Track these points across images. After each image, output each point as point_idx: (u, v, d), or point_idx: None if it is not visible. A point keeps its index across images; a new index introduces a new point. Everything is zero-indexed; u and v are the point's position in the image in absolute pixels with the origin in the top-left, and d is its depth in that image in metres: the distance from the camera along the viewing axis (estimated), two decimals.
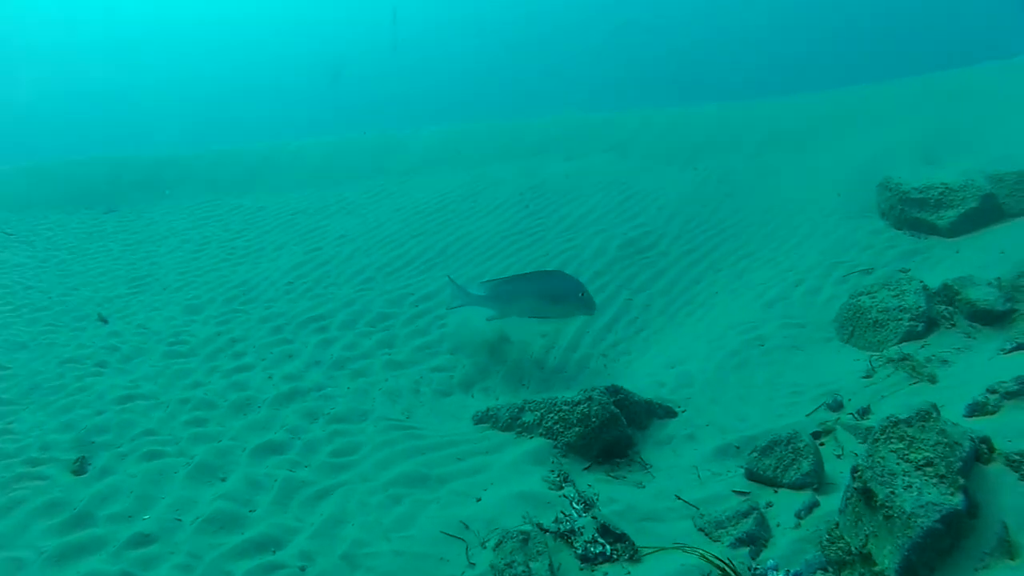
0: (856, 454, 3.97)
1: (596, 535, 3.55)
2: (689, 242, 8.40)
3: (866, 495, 2.74)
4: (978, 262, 6.54)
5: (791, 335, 5.95)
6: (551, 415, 4.74)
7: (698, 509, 3.74)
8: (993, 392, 3.72)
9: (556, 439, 4.66)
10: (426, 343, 6.75)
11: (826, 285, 6.82)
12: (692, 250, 8.21)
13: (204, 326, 7.32)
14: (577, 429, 4.57)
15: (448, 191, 11.59)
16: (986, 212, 7.47)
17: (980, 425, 3.52)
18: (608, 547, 3.48)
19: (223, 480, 4.60)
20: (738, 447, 4.35)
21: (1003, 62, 12.03)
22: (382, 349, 6.71)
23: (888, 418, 2.95)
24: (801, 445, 3.82)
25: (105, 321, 7.52)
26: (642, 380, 5.66)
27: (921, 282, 5.54)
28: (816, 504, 3.55)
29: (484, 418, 5.27)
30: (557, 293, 5.44)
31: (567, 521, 3.69)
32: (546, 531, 3.65)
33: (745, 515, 3.51)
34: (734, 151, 10.95)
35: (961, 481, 2.60)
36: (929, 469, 2.67)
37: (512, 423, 5.03)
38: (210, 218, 11.58)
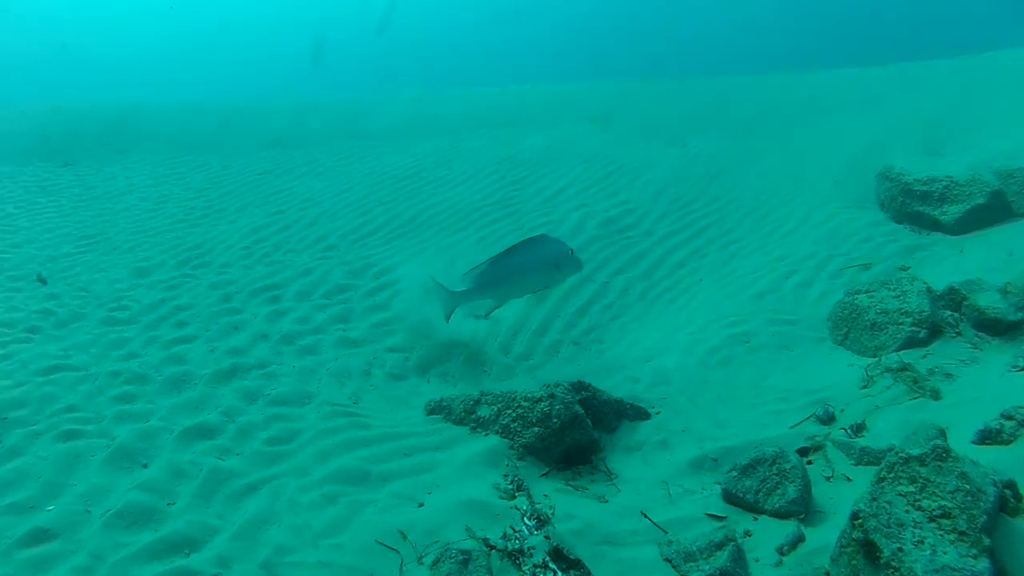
0: (849, 478, 3.54)
1: (547, 559, 3.08)
2: (674, 223, 7.92)
3: (867, 548, 2.29)
4: (984, 264, 6.12)
5: (780, 332, 5.49)
6: (509, 411, 4.28)
7: (666, 533, 3.28)
8: (1009, 418, 3.29)
9: (513, 439, 4.20)
10: (384, 320, 6.27)
11: (820, 278, 6.36)
12: (677, 232, 7.73)
13: (150, 291, 6.79)
14: (536, 429, 4.11)
15: (422, 157, 11.07)
16: (994, 210, 7.03)
17: (993, 456, 3.09)
18: (559, 575, 3.02)
19: (144, 467, 4.13)
20: (716, 460, 3.90)
21: (1009, 51, 11.53)
22: (336, 324, 6.22)
23: (896, 452, 2.48)
24: (787, 467, 3.37)
25: (44, 282, 6.96)
26: (614, 374, 5.19)
27: (924, 283, 5.09)
28: (801, 538, 3.11)
29: (437, 408, 4.80)
30: (556, 259, 4.82)
31: (516, 539, 3.23)
32: (492, 548, 3.20)
33: (719, 546, 3.06)
34: (724, 129, 10.43)
35: (986, 541, 2.14)
36: (946, 522, 2.21)
37: (466, 416, 4.57)
38: (172, 175, 10.96)
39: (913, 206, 7.19)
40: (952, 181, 7.15)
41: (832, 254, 6.75)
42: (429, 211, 8.85)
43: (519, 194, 9.13)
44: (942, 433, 3.16)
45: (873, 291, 5.22)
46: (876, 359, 4.68)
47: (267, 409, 4.86)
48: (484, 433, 4.40)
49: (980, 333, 4.73)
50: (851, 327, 5.21)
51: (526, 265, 4.79)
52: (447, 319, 5.10)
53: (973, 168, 7.47)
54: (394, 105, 14.44)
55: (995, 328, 4.67)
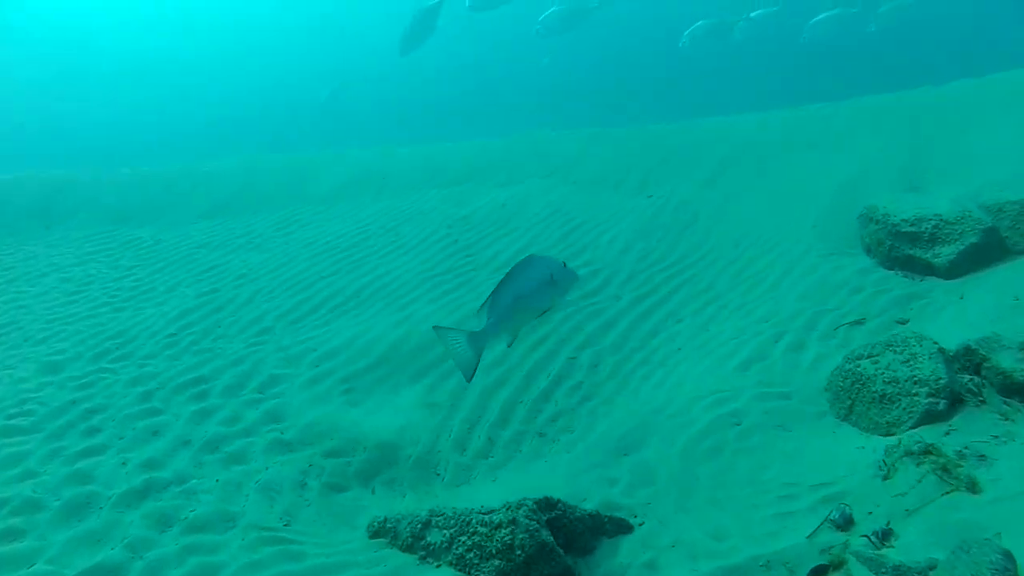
0: None
1: None
2: (644, 284, 7.29)
3: None
4: (990, 312, 5.55)
5: (774, 409, 4.82)
6: (464, 538, 3.56)
7: None
8: None
9: (469, 573, 3.46)
10: (322, 416, 5.51)
11: (811, 340, 5.74)
12: (648, 294, 7.10)
13: (60, 391, 5.99)
14: (497, 563, 3.39)
15: (368, 222, 10.40)
16: (988, 248, 6.52)
17: None
18: None
19: None
20: None
21: (978, 80, 11.21)
22: (269, 424, 5.47)
23: None
24: None
25: None
26: (587, 474, 4.47)
27: (935, 343, 4.47)
28: None
29: (381, 531, 4.08)
30: (551, 275, 4.38)
31: None
32: None
33: None
34: (691, 175, 9.87)
35: None
36: None
37: (415, 542, 3.84)
38: (100, 251, 10.17)
39: (903, 249, 6.65)
40: (941, 220, 6.64)
41: (821, 310, 6.14)
42: (375, 284, 8.17)
43: (473, 259, 8.49)
44: (1008, 557, 2.49)
45: (877, 355, 4.59)
46: (894, 440, 4.02)
47: (182, 538, 4.15)
48: (435, 564, 3.68)
49: (1008, 400, 4.11)
50: (856, 399, 4.56)
51: (524, 289, 4.32)
52: (474, 370, 4.14)
53: (960, 203, 6.97)
54: (341, 164, 13.81)
55: None
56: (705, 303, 6.78)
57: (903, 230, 6.67)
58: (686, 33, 14.31)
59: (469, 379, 4.12)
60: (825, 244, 7.33)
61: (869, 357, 4.62)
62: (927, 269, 6.57)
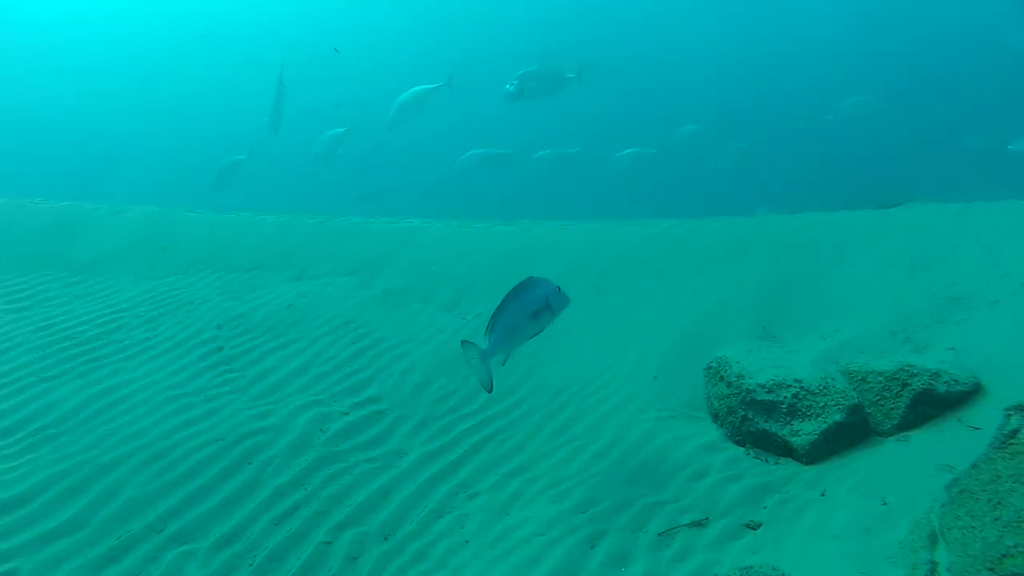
0: None
1: None
2: (439, 435, 5.88)
3: None
4: (858, 520, 4.57)
5: None
6: None
7: None
8: None
9: None
10: None
11: (639, 548, 4.46)
12: (442, 451, 5.69)
13: None
14: None
15: (124, 307, 8.58)
16: (853, 429, 5.61)
17: None
18: None
19: None
20: None
21: (832, 214, 10.78)
22: None
23: None
24: None
25: None
26: None
27: None
28: None
29: None
30: (547, 299, 4.72)
31: None
32: None
33: None
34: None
35: None
36: None
37: None
38: None
39: (757, 423, 5.57)
40: (803, 388, 5.65)
41: (655, 501, 4.90)
42: (102, 399, 6.43)
43: (234, 378, 6.85)
44: None
45: None
46: None
47: None
48: None
49: None
50: None
51: (523, 311, 4.72)
52: (490, 381, 4.73)
53: (821, 366, 6.07)
54: (118, 223, 11.78)
55: None
56: (510, 472, 5.42)
57: (759, 398, 5.61)
58: (460, 159, 13.97)
59: (489, 390, 4.72)
60: (666, 402, 6.18)
61: None
62: (784, 449, 5.52)
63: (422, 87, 11.43)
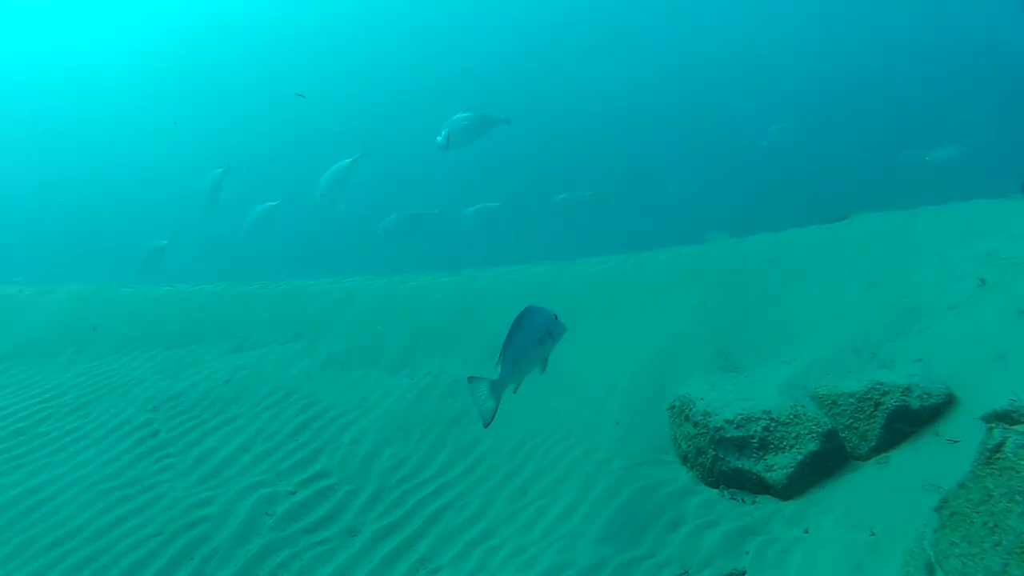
0: None
1: None
2: (394, 508, 5.49)
3: None
4: (848, 556, 4.29)
5: None
6: None
7: None
8: None
9: None
10: None
11: None
12: (397, 525, 5.30)
13: None
14: None
15: (50, 396, 8.08)
16: (828, 456, 5.35)
17: None
18: None
19: None
20: None
21: (781, 234, 10.66)
22: None
23: None
24: None
25: None
26: None
27: None
28: None
29: None
30: (548, 327, 4.67)
31: None
32: None
33: None
34: (469, 345, 8.25)
35: None
36: None
37: None
38: None
39: (729, 461, 5.28)
40: (772, 420, 5.39)
41: (630, 558, 4.57)
42: (25, 501, 5.94)
43: (172, 464, 6.40)
44: None
45: None
46: None
47: None
48: None
49: None
50: None
51: (528, 340, 4.65)
52: (493, 414, 4.52)
53: (790, 393, 5.82)
54: (46, 304, 11.23)
55: None
56: (472, 541, 5.04)
57: (728, 435, 5.33)
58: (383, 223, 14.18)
59: (487, 425, 4.48)
60: (631, 448, 5.86)
61: None
62: (760, 486, 5.23)
63: (342, 162, 11.49)
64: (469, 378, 4.58)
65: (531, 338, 4.63)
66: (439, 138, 9.93)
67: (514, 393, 4.90)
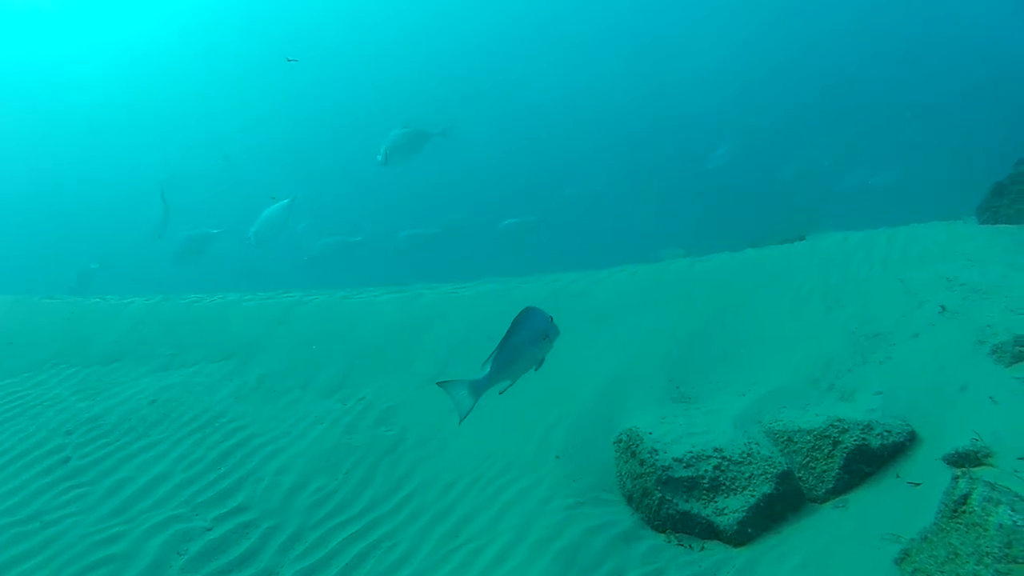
0: None
1: None
2: (315, 548, 5.06)
3: None
4: None
5: None
6: None
7: None
8: None
9: None
10: None
11: None
12: (316, 568, 4.88)
13: None
14: None
15: None
16: (784, 499, 5.04)
17: None
18: None
19: None
20: None
21: (739, 254, 10.42)
22: None
23: None
24: None
25: None
26: None
27: None
28: None
29: None
30: (545, 329, 4.68)
31: None
32: None
33: None
34: (406, 368, 7.82)
35: None
36: None
37: None
38: None
39: (677, 504, 4.94)
40: (724, 459, 5.07)
41: None
42: None
43: (81, 495, 5.89)
44: None
45: None
46: None
47: None
48: None
49: None
50: None
51: (525, 340, 4.68)
52: (468, 413, 4.53)
53: (743, 426, 5.53)
54: None
55: None
56: None
57: (676, 475, 4.99)
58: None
59: (460, 422, 4.58)
60: (574, 485, 5.49)
61: None
62: (709, 531, 4.89)
63: (277, 204, 11.29)
64: (442, 383, 4.62)
65: (528, 339, 4.65)
66: (378, 156, 9.78)
67: (500, 393, 4.91)
